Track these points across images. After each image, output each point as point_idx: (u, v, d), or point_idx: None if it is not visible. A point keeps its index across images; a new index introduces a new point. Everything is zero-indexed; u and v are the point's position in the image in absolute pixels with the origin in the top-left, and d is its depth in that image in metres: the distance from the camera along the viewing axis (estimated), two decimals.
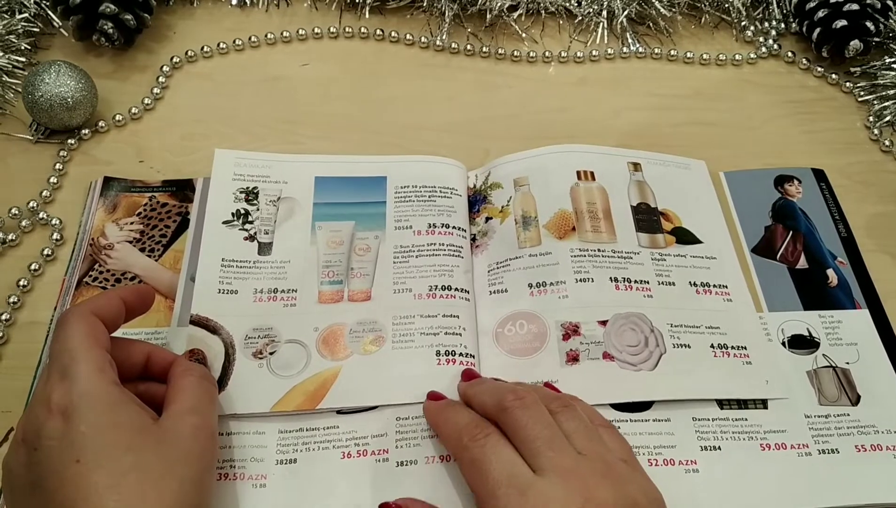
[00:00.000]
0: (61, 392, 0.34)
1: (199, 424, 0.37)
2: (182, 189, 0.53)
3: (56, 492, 0.32)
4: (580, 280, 0.48)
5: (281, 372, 0.44)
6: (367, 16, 0.67)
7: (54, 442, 0.33)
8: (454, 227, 0.51)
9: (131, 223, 0.52)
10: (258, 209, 0.51)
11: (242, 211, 0.51)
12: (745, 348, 0.47)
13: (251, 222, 0.51)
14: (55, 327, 0.38)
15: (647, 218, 0.52)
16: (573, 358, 0.45)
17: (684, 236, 0.52)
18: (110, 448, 0.33)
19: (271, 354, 0.45)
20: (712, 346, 0.47)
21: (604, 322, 0.47)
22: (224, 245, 0.50)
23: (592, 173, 0.54)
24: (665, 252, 0.51)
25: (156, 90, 0.61)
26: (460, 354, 0.45)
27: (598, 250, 0.50)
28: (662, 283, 0.49)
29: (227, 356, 0.45)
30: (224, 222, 0.51)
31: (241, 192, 0.52)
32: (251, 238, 0.50)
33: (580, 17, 0.67)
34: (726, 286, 0.50)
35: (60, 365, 0.35)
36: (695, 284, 0.50)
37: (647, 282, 0.49)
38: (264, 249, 0.50)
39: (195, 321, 0.46)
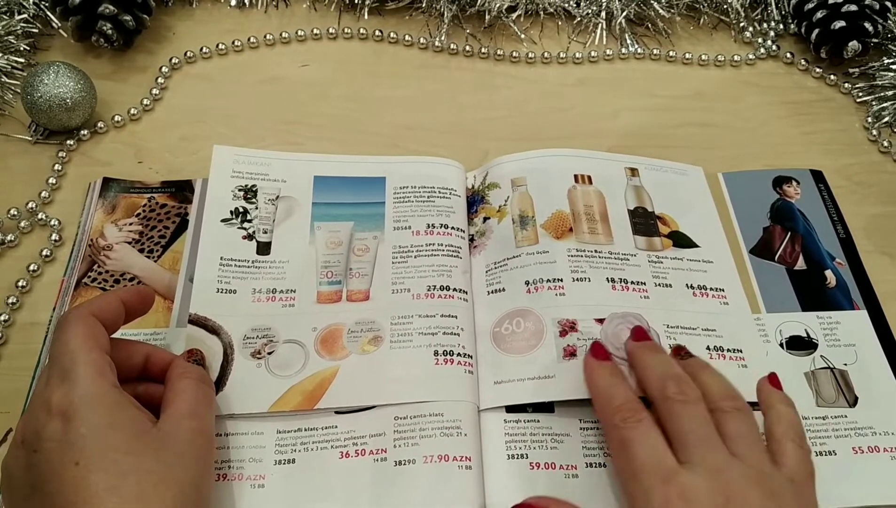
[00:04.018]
0: (61, 395, 0.34)
1: (197, 427, 0.37)
2: (181, 190, 0.53)
3: (56, 495, 0.32)
4: (577, 279, 0.48)
5: (279, 372, 0.45)
6: (365, 17, 0.67)
7: (54, 444, 0.33)
8: (453, 227, 0.51)
9: (130, 224, 0.52)
10: (257, 208, 0.51)
11: (241, 209, 0.51)
12: (741, 351, 0.47)
13: (250, 221, 0.51)
14: (55, 329, 0.38)
15: (644, 222, 0.53)
16: (570, 353, 0.45)
17: (681, 240, 0.52)
18: (110, 450, 0.33)
19: (269, 354, 0.45)
20: (708, 348, 0.47)
21: (601, 320, 0.47)
22: (223, 244, 0.50)
23: (590, 177, 0.54)
24: (662, 255, 0.51)
25: (155, 91, 0.61)
26: (458, 354, 0.45)
27: (595, 252, 0.50)
28: (659, 285, 0.49)
29: (226, 356, 0.45)
30: (223, 221, 0.51)
31: (239, 190, 0.52)
32: (250, 237, 0.50)
33: (579, 18, 0.67)
34: (723, 290, 0.50)
35: (60, 367, 0.35)
36: (691, 286, 0.50)
37: (644, 283, 0.49)
38: (263, 248, 0.50)
39: (194, 321, 0.46)
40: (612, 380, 0.41)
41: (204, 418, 0.38)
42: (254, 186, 0.52)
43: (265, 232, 0.51)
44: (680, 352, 0.44)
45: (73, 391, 0.34)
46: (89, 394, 0.34)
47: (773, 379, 0.42)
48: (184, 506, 0.34)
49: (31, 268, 0.50)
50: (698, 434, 0.37)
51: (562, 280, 0.48)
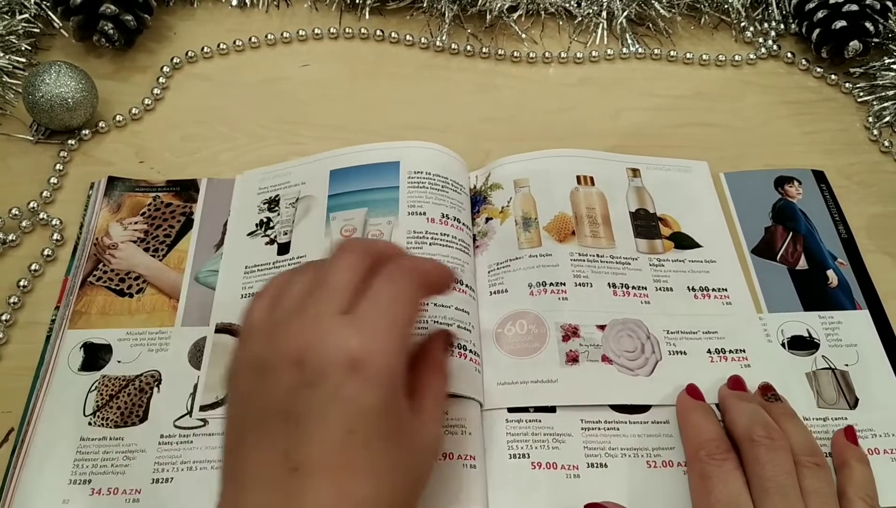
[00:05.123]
0: (363, 350, 0.30)
1: (440, 438, 0.36)
2: (186, 189, 0.53)
3: (312, 442, 0.30)
4: (579, 285, 0.48)
5: None
6: (367, 17, 0.67)
7: (333, 393, 0.30)
8: (463, 223, 0.51)
9: (135, 223, 0.52)
10: (279, 215, 0.52)
11: (265, 220, 0.52)
12: (744, 350, 0.47)
13: (272, 228, 0.51)
14: (387, 265, 0.34)
15: (646, 224, 0.53)
16: (573, 359, 0.45)
17: (683, 241, 0.52)
18: (384, 435, 0.31)
19: None
20: (709, 351, 0.47)
21: (602, 327, 0.47)
22: (246, 254, 0.50)
23: (592, 179, 0.54)
24: (663, 258, 0.51)
25: (156, 91, 0.61)
26: (470, 350, 0.45)
27: (597, 256, 0.50)
28: (660, 289, 0.49)
29: None
30: (248, 234, 0.51)
31: (264, 203, 0.53)
32: (272, 242, 0.50)
33: (580, 18, 0.67)
34: (726, 290, 0.50)
35: (376, 315, 0.32)
36: (693, 289, 0.50)
37: (645, 288, 0.49)
38: (282, 249, 0.50)
39: (221, 329, 0.46)
40: (705, 417, 0.42)
41: (440, 426, 0.36)
42: (276, 196, 0.53)
43: (285, 233, 0.51)
44: (767, 392, 0.44)
45: (379, 358, 0.31)
46: (390, 366, 0.31)
47: (849, 433, 0.43)
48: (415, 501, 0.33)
49: (33, 268, 0.50)
50: (779, 483, 0.38)
51: (564, 284, 0.48)
